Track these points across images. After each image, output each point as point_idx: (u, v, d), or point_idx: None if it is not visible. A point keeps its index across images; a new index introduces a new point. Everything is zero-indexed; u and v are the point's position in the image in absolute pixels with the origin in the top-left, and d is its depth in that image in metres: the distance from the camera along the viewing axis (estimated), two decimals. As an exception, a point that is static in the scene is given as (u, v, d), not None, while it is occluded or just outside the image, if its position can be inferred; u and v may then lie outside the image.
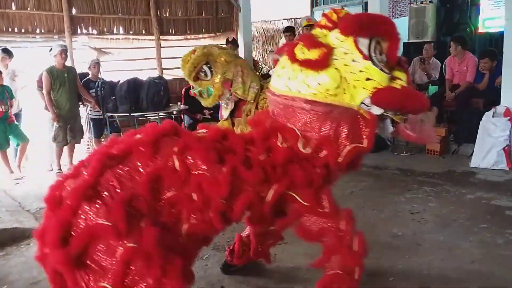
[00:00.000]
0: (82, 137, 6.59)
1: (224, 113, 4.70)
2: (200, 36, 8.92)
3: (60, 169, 6.12)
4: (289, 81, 2.23)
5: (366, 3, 8.61)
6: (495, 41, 7.37)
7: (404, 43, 8.77)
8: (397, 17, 9.63)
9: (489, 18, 7.98)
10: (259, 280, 3.06)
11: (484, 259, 3.07)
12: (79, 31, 7.45)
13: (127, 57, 7.94)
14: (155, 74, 7.91)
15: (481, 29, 8.17)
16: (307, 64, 2.16)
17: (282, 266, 3.24)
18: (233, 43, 7.96)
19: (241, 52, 9.31)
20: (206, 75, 4.49)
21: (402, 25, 8.98)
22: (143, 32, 8.13)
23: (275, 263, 3.29)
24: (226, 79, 4.49)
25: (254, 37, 11.06)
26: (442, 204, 4.31)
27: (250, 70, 4.68)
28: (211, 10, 9.05)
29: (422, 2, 8.87)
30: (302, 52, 2.21)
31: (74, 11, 7.36)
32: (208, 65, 4.45)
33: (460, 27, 8.56)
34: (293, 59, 2.22)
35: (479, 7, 8.21)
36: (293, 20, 11.66)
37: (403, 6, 9.56)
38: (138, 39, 8.06)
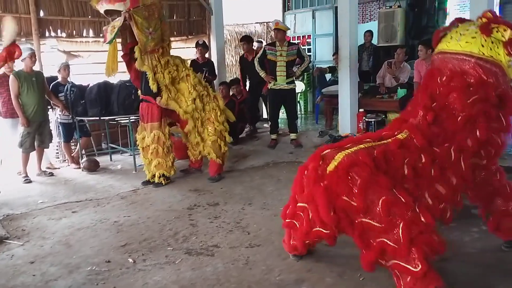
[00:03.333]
0: (51, 142, 6.46)
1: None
2: (172, 38, 8.84)
3: (27, 176, 5.97)
4: None
5: (336, 8, 8.74)
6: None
7: (374, 47, 8.96)
8: (367, 21, 9.80)
9: (455, 23, 8.21)
10: (230, 284, 3.06)
11: (452, 257, 3.15)
12: (47, 33, 7.29)
13: (98, 60, 7.80)
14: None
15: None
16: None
17: (255, 268, 3.25)
18: (203, 46, 7.97)
19: (213, 55, 9.30)
20: None
21: (371, 29, 9.18)
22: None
23: (247, 265, 3.30)
24: None
25: (227, 40, 11.05)
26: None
27: None
28: (183, 13, 9.01)
29: (391, 7, 9.07)
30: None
31: (42, 13, 7.20)
32: None
33: (428, 31, 8.77)
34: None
35: (446, 11, 8.44)
36: (265, 23, 11.72)
37: (372, 11, 9.74)
38: (109, 42, 7.94)
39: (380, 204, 2.43)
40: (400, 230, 2.40)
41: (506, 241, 3.29)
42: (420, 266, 2.38)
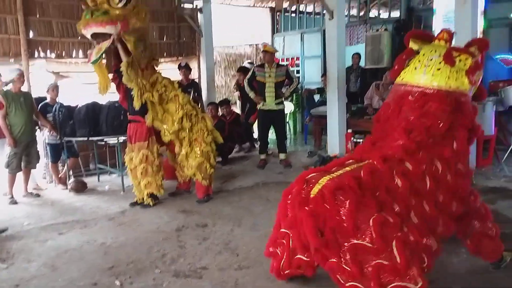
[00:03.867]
0: (38, 162, 6.40)
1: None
2: (162, 60, 8.91)
3: (12, 196, 5.89)
4: None
5: (324, 30, 8.89)
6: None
7: (361, 69, 9.11)
8: (354, 44, 9.96)
9: (440, 46, 8.39)
10: (220, 305, 3.03)
11: (440, 278, 3.15)
12: (36, 54, 7.30)
13: (87, 81, 7.81)
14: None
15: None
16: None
17: (244, 290, 3.22)
18: (186, 68, 8.07)
19: (203, 76, 9.39)
20: None
21: (359, 51, 9.34)
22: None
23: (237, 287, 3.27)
24: None
25: (217, 62, 11.14)
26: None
27: None
28: (173, 35, 9.09)
29: (377, 30, 9.25)
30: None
31: (31, 34, 7.23)
32: None
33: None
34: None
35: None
36: (254, 45, 11.86)
37: (359, 34, 9.91)
38: (98, 63, 7.96)
39: (371, 223, 2.42)
40: (395, 249, 2.38)
41: (492, 262, 3.30)
42: (420, 282, 2.37)
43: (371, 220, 2.42)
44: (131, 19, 5.14)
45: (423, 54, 3.03)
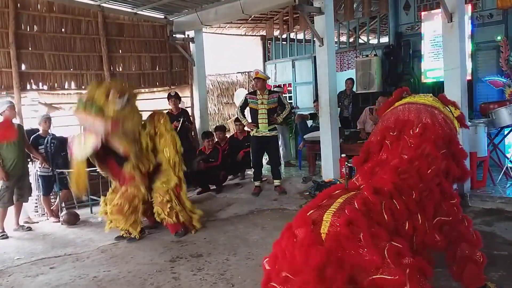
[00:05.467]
0: (30, 195, 6.33)
1: None
2: (155, 89, 8.97)
3: (3, 231, 5.79)
4: None
5: (315, 57, 8.98)
6: (438, 89, 7.83)
7: (353, 94, 9.19)
8: (345, 70, 10.07)
9: (430, 69, 8.51)
10: None
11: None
12: (28, 86, 7.31)
13: (79, 112, 7.80)
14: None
15: (424, 79, 8.69)
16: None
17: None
18: (176, 97, 8.10)
19: (196, 104, 9.42)
20: None
21: (350, 77, 9.45)
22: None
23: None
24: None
25: (209, 90, 11.21)
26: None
27: None
28: (166, 65, 9.15)
29: (367, 56, 9.37)
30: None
31: (23, 66, 7.25)
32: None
33: (404, 77, 9.06)
34: None
35: (421, 59, 8.77)
36: (246, 73, 11.96)
37: (350, 59, 10.04)
38: (91, 94, 7.96)
39: (386, 253, 2.30)
40: (408, 280, 2.28)
41: None
42: None
43: (386, 250, 2.31)
44: (124, 122, 4.94)
45: (418, 94, 3.41)
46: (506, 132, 6.81)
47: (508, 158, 6.76)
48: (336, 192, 2.76)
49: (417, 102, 3.14)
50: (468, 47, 7.53)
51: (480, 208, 5.57)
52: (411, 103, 3.16)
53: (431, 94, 3.29)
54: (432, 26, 8.36)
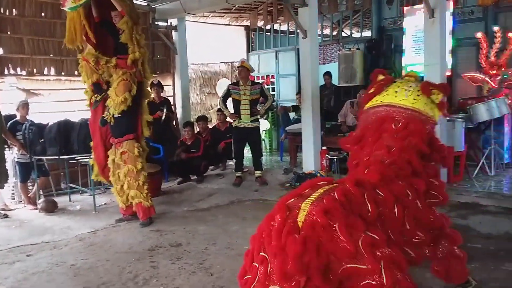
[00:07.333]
0: (7, 182, 6.22)
1: None
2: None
3: (-20, 217, 5.70)
4: None
5: (298, 49, 9.01)
6: (418, 84, 7.95)
7: (334, 87, 9.25)
8: (328, 63, 10.13)
9: (411, 64, 8.61)
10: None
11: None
12: (6, 71, 7.14)
13: (59, 99, 7.68)
14: (88, 115, 7.70)
15: (404, 74, 8.78)
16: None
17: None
18: (158, 86, 8.03)
19: (178, 94, 9.34)
20: None
21: (332, 70, 9.50)
22: (76, 73, 7.92)
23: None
24: None
25: (192, 79, 11.14)
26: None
27: None
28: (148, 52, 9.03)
29: (350, 49, 9.43)
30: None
31: (1, 51, 7.08)
32: None
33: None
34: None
35: (402, 53, 8.87)
36: (229, 63, 11.92)
37: (332, 53, 10.09)
38: (70, 80, 7.84)
39: (360, 244, 2.35)
40: (383, 271, 2.32)
41: (458, 284, 3.31)
42: None
43: (360, 241, 2.36)
44: None
45: (401, 82, 3.21)
46: (483, 128, 6.96)
47: (484, 154, 6.91)
48: (320, 183, 2.79)
49: (398, 104, 3.10)
50: (449, 43, 7.65)
51: (456, 201, 5.68)
52: (391, 105, 3.14)
53: (414, 79, 3.24)
54: (414, 21, 8.45)
